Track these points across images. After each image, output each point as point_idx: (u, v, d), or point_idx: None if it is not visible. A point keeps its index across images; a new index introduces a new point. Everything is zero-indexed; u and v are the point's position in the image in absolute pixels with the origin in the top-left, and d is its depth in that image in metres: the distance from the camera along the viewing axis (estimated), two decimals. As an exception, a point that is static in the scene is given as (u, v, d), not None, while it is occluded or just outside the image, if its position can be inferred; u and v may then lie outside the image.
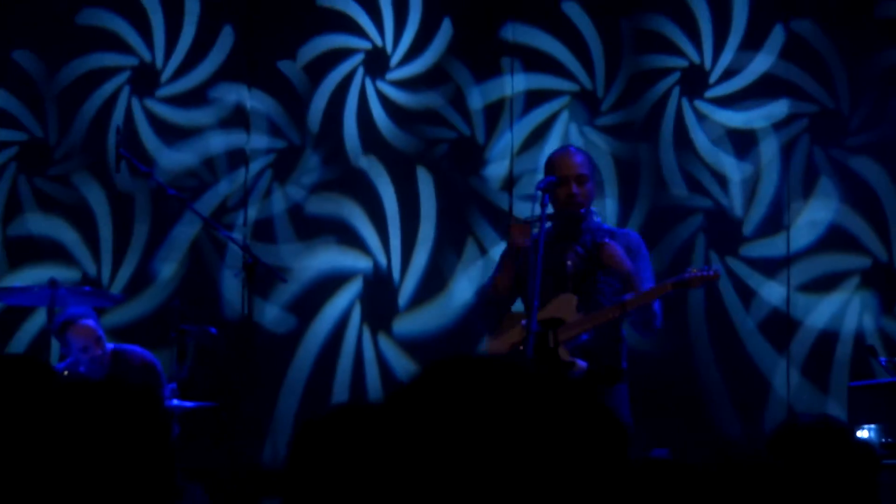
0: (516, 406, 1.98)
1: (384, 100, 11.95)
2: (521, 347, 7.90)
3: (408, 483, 1.97)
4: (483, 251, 11.44)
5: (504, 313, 8.47)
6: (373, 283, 11.77)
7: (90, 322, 9.76)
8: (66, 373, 9.49)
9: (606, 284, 8.15)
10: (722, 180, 11.37)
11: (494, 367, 2.04)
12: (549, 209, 8.18)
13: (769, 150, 11.30)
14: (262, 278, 9.94)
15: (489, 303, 8.54)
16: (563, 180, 8.13)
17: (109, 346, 9.96)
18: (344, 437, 2.36)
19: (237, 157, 11.90)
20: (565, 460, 1.98)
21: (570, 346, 7.90)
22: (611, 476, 2.02)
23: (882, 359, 9.79)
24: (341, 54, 11.98)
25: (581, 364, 7.85)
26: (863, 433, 8.71)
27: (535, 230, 8.24)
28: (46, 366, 5.39)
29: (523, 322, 7.94)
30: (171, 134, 11.93)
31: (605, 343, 8.08)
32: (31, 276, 11.35)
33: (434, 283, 11.70)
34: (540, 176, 8.66)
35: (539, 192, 8.01)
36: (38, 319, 11.38)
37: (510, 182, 11.60)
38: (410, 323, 11.72)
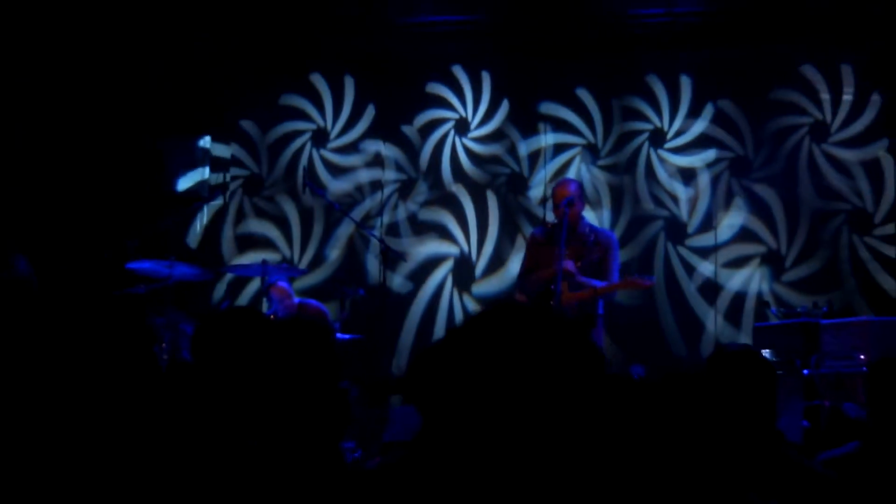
0: (537, 331, 2.09)
1: (466, 149, 12.62)
2: (552, 303, 8.38)
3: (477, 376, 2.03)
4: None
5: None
6: (459, 262, 12.42)
7: (284, 284, 10.38)
8: (272, 317, 9.81)
9: (588, 269, 8.73)
10: (675, 199, 12.12)
11: (526, 309, 2.15)
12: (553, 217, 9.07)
13: (704, 180, 12.07)
14: (391, 259, 10.78)
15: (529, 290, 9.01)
16: (557, 205, 8.76)
17: (297, 300, 10.59)
18: (441, 357, 2.17)
19: (376, 185, 12.62)
20: (567, 370, 2.06)
21: (567, 308, 8.49)
22: (595, 380, 2.10)
23: (773, 309, 10.90)
24: (440, 121, 12.70)
25: None
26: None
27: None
28: (261, 312, 6.10)
29: (552, 287, 8.50)
30: (336, 171, 12.71)
31: (588, 301, 8.67)
32: (251, 258, 11.90)
33: (497, 262, 12.33)
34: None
35: (563, 207, 8.60)
36: (254, 285, 12.07)
37: (544, 200, 12.06)
38: (482, 287, 12.30)
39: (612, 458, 3.47)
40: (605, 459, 3.42)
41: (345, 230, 12.57)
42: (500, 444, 2.01)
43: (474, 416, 2.03)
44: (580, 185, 9.14)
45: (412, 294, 12.44)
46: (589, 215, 11.23)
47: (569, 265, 8.60)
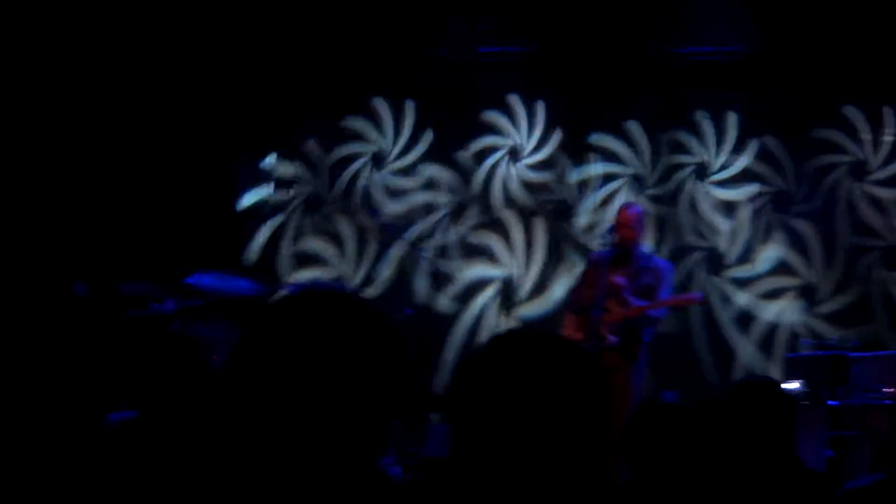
0: (541, 352, 2.16)
1: (518, 176, 12.74)
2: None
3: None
4: (571, 269, 11.96)
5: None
6: (505, 285, 12.48)
7: None
8: None
9: (640, 292, 8.72)
10: (715, 231, 12.24)
11: (532, 334, 2.24)
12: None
13: (745, 213, 12.19)
14: (440, 279, 11.11)
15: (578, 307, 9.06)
16: (618, 227, 8.89)
17: None
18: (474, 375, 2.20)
19: (430, 208, 12.76)
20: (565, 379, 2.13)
21: (612, 327, 8.58)
22: (593, 390, 2.16)
23: (805, 341, 11.15)
24: (494, 148, 12.82)
25: (612, 339, 8.50)
26: (793, 385, 9.42)
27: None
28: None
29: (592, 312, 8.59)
30: (392, 193, 12.87)
31: (634, 327, 8.69)
32: (307, 275, 12.35)
33: (541, 287, 12.41)
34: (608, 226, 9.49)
35: (606, 234, 8.97)
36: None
37: (590, 227, 12.27)
38: (527, 309, 12.35)
39: (638, 479, 3.99)
40: (628, 480, 3.96)
41: (398, 250, 12.64)
42: (522, 462, 2.08)
43: (499, 436, 2.10)
44: (641, 212, 9.23)
45: (458, 314, 12.47)
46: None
47: (620, 280, 8.71)
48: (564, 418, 2.12)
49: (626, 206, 9.24)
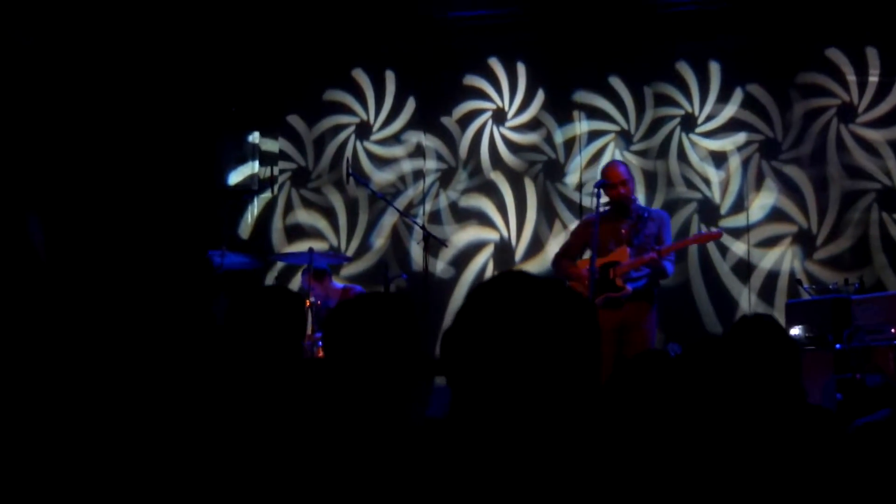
0: (533, 290, 2.11)
1: (504, 138, 12.54)
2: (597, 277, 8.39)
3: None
4: (564, 227, 11.89)
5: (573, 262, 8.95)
6: (499, 247, 12.36)
7: (319, 266, 10.37)
8: (318, 302, 9.80)
9: (647, 241, 8.60)
10: (707, 182, 11.96)
11: (523, 276, 2.16)
12: (604, 199, 8.70)
13: (734, 162, 11.89)
14: (433, 245, 10.54)
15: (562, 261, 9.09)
16: (613, 185, 8.67)
17: (340, 285, 10.71)
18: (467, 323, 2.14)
19: (418, 175, 12.61)
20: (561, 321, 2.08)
21: (624, 277, 8.52)
22: (589, 331, 2.10)
23: (805, 287, 10.84)
24: (478, 112, 12.64)
25: (629, 287, 8.45)
26: (794, 331, 9.49)
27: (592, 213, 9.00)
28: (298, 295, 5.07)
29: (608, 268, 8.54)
30: (379, 162, 12.74)
31: (647, 281, 8.63)
32: (299, 246, 12.00)
33: (535, 246, 12.28)
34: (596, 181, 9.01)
35: (596, 189, 8.61)
36: (303, 273, 11.84)
37: (580, 185, 12.08)
38: (524, 269, 12.05)
39: (638, 428, 3.76)
40: (629, 429, 3.69)
41: (388, 219, 12.56)
42: (522, 414, 2.03)
43: (495, 387, 2.04)
44: (626, 166, 9.10)
45: (454, 279, 12.36)
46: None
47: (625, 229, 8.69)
48: (557, 357, 2.06)
49: (612, 166, 9.00)
